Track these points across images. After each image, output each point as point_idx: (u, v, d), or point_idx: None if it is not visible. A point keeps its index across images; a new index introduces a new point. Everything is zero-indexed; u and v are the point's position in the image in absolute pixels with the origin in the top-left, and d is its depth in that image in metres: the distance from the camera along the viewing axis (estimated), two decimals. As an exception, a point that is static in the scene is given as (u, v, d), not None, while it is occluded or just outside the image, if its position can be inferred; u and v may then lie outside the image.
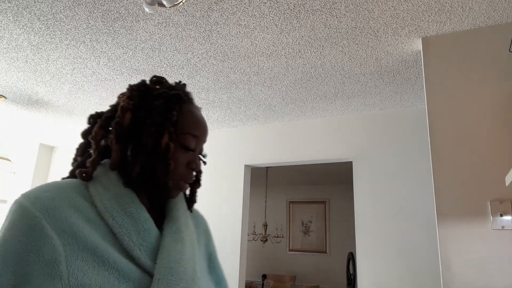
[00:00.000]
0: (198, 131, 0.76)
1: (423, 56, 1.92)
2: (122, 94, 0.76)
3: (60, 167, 4.47)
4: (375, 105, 2.89)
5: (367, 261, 2.71)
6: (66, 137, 4.16)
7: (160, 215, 0.76)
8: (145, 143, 0.70)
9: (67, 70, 2.44)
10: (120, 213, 0.64)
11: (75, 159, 0.76)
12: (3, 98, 2.92)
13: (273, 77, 2.46)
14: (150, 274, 0.63)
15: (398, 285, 2.58)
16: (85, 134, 0.75)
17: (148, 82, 0.78)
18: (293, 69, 2.34)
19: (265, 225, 5.52)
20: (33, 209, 0.57)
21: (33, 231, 0.56)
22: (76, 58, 2.26)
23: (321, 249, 6.63)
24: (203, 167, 3.60)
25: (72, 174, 0.72)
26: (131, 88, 0.76)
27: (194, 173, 0.80)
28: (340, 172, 5.65)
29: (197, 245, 0.83)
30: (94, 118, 0.76)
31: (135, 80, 2.55)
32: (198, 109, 0.80)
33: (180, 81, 0.81)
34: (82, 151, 0.75)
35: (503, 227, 1.55)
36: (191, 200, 0.84)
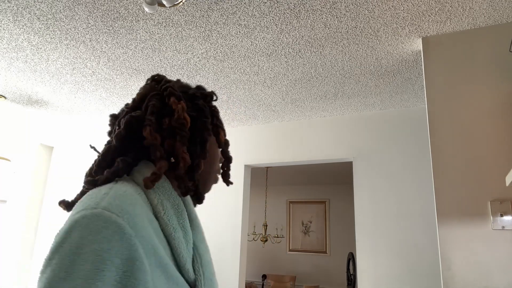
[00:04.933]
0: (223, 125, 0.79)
1: (423, 56, 1.92)
2: (169, 95, 0.70)
3: (60, 167, 4.46)
4: (375, 105, 2.89)
5: (367, 261, 2.71)
6: (66, 137, 4.16)
7: None
8: (202, 142, 0.70)
9: (67, 70, 2.44)
10: (177, 226, 0.63)
11: (103, 163, 0.67)
12: (3, 98, 2.92)
13: (273, 77, 2.46)
14: (191, 285, 0.62)
15: (398, 285, 2.58)
16: (121, 138, 0.67)
17: (169, 81, 0.74)
18: (293, 69, 2.33)
19: (265, 225, 5.51)
20: (125, 224, 0.52)
21: (134, 251, 0.52)
22: (76, 58, 2.26)
23: (321, 249, 6.63)
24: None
25: (107, 180, 0.64)
26: (173, 88, 0.71)
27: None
28: (340, 172, 5.65)
29: None
30: (131, 120, 0.68)
31: (135, 80, 2.55)
32: None
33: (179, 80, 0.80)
34: (113, 155, 0.67)
35: (503, 227, 1.55)
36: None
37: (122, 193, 0.57)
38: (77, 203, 0.58)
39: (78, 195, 0.71)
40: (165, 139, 0.67)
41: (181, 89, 0.74)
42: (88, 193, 0.59)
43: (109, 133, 0.74)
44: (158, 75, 0.76)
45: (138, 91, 0.74)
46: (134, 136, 0.67)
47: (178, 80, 0.77)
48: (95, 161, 0.68)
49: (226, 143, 0.76)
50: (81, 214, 0.53)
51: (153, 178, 0.62)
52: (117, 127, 0.70)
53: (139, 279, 0.51)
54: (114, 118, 0.75)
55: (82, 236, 0.50)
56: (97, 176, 0.66)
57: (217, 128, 0.76)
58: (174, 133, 0.67)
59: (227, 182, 0.80)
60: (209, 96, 0.76)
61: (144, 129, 0.65)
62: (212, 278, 0.66)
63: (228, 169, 0.77)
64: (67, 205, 0.70)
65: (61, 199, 0.72)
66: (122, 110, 0.73)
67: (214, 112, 0.76)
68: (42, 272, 0.51)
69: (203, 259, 0.67)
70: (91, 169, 0.69)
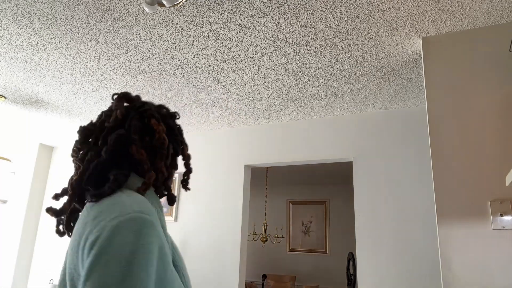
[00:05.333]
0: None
1: (423, 56, 1.92)
2: (149, 117, 0.83)
3: (60, 167, 4.46)
4: (375, 105, 2.89)
5: (367, 261, 2.71)
6: (66, 137, 4.16)
7: None
8: (174, 156, 0.88)
9: (67, 70, 2.44)
10: (164, 227, 0.77)
11: (93, 176, 0.76)
12: (3, 98, 2.92)
13: (273, 77, 2.46)
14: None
15: (398, 285, 2.58)
16: (110, 153, 0.77)
17: (143, 101, 0.87)
18: (293, 69, 2.33)
19: (265, 225, 5.51)
20: (154, 221, 0.67)
21: (162, 239, 0.68)
22: (76, 58, 2.26)
23: (321, 249, 6.63)
24: (203, 166, 3.60)
25: (113, 191, 0.72)
26: (152, 110, 0.84)
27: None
28: (340, 172, 5.65)
29: None
30: (118, 138, 0.78)
31: (135, 80, 2.55)
32: None
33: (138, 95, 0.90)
34: (102, 167, 0.76)
35: (503, 227, 1.55)
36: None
37: (141, 199, 0.71)
38: (101, 212, 0.67)
39: (68, 204, 0.78)
40: (147, 155, 0.81)
41: (156, 110, 0.87)
42: (108, 203, 0.69)
43: (82, 144, 0.81)
44: (126, 93, 0.86)
45: (115, 110, 0.82)
46: (119, 152, 0.78)
47: (149, 102, 0.89)
48: (84, 173, 0.76)
49: (188, 157, 0.91)
50: (120, 220, 0.63)
51: (145, 187, 0.76)
52: (100, 142, 0.79)
53: (166, 262, 0.67)
54: (88, 130, 0.82)
55: (129, 237, 0.61)
56: (87, 186, 0.75)
57: (182, 143, 0.92)
58: (154, 150, 0.81)
59: (186, 188, 0.95)
60: (175, 116, 0.91)
61: (131, 147, 0.78)
62: (187, 272, 0.77)
63: (188, 178, 0.92)
64: (55, 212, 0.78)
65: (48, 206, 0.80)
66: (97, 126, 0.82)
67: (180, 129, 0.92)
68: (88, 278, 0.59)
69: (178, 253, 0.78)
70: (79, 180, 0.76)
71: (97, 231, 0.62)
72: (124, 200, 0.68)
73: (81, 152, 0.80)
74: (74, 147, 0.82)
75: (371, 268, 2.69)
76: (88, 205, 0.74)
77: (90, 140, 0.81)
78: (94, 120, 0.85)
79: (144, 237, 0.62)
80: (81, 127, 0.83)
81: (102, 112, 0.85)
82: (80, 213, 0.77)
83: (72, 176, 0.78)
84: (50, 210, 0.79)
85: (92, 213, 0.69)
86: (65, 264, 0.72)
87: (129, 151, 0.77)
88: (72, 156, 0.82)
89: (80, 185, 0.75)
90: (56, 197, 0.82)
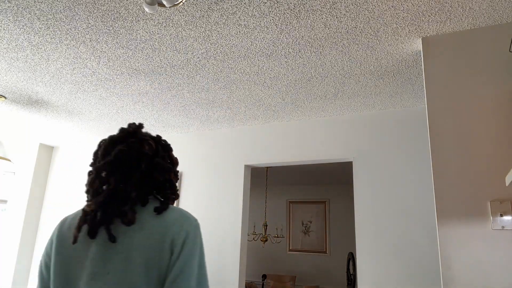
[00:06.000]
0: None
1: (423, 56, 1.92)
2: (169, 150, 1.13)
3: (60, 167, 4.47)
4: (375, 105, 2.89)
5: (367, 261, 2.71)
6: (66, 137, 4.16)
7: None
8: (175, 180, 1.12)
9: (67, 70, 2.44)
10: None
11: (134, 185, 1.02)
12: (3, 98, 2.92)
13: (273, 77, 2.46)
14: None
15: (398, 285, 2.58)
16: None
17: (146, 132, 1.10)
18: (293, 69, 2.34)
19: (265, 225, 5.51)
20: None
21: None
22: (76, 58, 2.26)
23: (321, 249, 6.63)
24: (203, 166, 3.61)
25: (166, 202, 1.03)
26: (168, 143, 1.14)
27: None
28: (340, 172, 5.65)
29: None
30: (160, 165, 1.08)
31: (135, 80, 2.56)
32: None
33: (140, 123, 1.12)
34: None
35: (503, 227, 1.55)
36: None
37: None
38: (179, 216, 1.00)
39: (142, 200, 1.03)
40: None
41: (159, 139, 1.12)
42: (176, 209, 1.02)
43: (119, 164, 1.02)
44: (134, 124, 1.10)
45: (146, 142, 1.05)
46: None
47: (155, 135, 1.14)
48: (131, 182, 1.01)
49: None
50: (197, 222, 1.01)
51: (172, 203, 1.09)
52: (144, 166, 1.03)
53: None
54: (125, 155, 1.04)
55: (201, 235, 1.01)
56: (147, 197, 1.03)
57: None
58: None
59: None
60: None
61: (169, 174, 1.08)
62: None
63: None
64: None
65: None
66: (135, 149, 1.03)
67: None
68: (188, 262, 0.94)
69: None
70: (129, 191, 1.01)
71: (183, 232, 0.96)
72: (180, 209, 1.03)
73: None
74: (106, 163, 1.02)
75: (371, 268, 2.69)
76: (148, 215, 0.98)
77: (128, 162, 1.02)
78: (124, 145, 1.03)
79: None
80: (121, 150, 1.02)
81: (128, 141, 1.04)
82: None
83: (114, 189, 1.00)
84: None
85: (162, 221, 0.97)
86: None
87: (161, 176, 1.05)
88: (103, 168, 1.02)
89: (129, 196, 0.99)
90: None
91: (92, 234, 0.94)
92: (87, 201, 1.01)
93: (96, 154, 1.06)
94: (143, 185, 1.01)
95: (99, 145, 1.07)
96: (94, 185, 1.00)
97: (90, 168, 1.05)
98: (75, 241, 0.94)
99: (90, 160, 1.09)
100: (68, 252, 0.96)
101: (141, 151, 1.02)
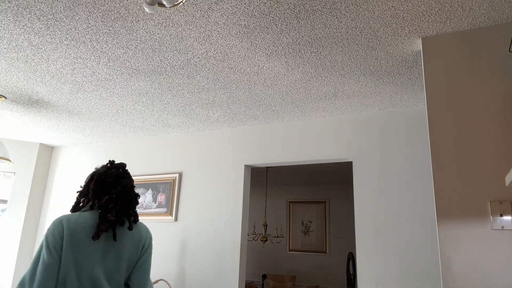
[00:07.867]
0: None
1: (423, 56, 1.92)
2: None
3: (60, 167, 4.47)
4: (375, 105, 2.89)
5: (367, 261, 2.71)
6: (66, 137, 4.16)
7: None
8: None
9: (67, 70, 2.44)
10: None
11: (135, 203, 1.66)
12: (3, 98, 2.92)
13: (273, 77, 2.46)
14: None
15: (398, 285, 2.58)
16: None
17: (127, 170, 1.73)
18: (293, 69, 2.34)
19: (265, 225, 5.51)
20: None
21: None
22: (76, 58, 2.26)
23: (321, 249, 6.63)
24: (203, 166, 3.61)
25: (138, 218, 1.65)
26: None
27: None
28: (340, 172, 5.65)
29: None
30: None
31: (135, 80, 2.56)
32: None
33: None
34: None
35: (503, 227, 1.55)
36: None
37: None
38: (145, 227, 1.66)
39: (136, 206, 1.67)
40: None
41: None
42: (141, 223, 1.66)
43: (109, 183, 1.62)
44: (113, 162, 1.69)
45: (127, 175, 1.66)
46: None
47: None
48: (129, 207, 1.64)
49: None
50: (150, 235, 1.67)
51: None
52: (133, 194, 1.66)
53: None
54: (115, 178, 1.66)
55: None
56: (133, 214, 1.63)
57: None
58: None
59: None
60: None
61: (138, 197, 1.67)
62: None
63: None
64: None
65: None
66: (112, 177, 1.62)
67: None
68: (149, 257, 1.62)
69: None
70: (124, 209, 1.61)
71: (148, 239, 1.63)
72: (145, 225, 1.70)
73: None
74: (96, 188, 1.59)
75: (371, 268, 2.69)
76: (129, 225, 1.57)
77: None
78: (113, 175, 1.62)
79: None
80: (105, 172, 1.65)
81: (112, 167, 1.64)
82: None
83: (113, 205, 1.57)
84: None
85: (138, 230, 1.60)
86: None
87: (136, 202, 1.64)
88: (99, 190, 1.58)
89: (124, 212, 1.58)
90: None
91: (114, 236, 1.47)
92: (103, 211, 1.51)
93: (102, 181, 1.60)
94: (132, 206, 1.62)
95: (99, 178, 1.61)
96: (104, 203, 1.54)
97: (101, 189, 1.58)
98: (97, 238, 1.42)
99: (98, 183, 1.59)
100: (81, 242, 1.41)
101: (132, 186, 1.63)
